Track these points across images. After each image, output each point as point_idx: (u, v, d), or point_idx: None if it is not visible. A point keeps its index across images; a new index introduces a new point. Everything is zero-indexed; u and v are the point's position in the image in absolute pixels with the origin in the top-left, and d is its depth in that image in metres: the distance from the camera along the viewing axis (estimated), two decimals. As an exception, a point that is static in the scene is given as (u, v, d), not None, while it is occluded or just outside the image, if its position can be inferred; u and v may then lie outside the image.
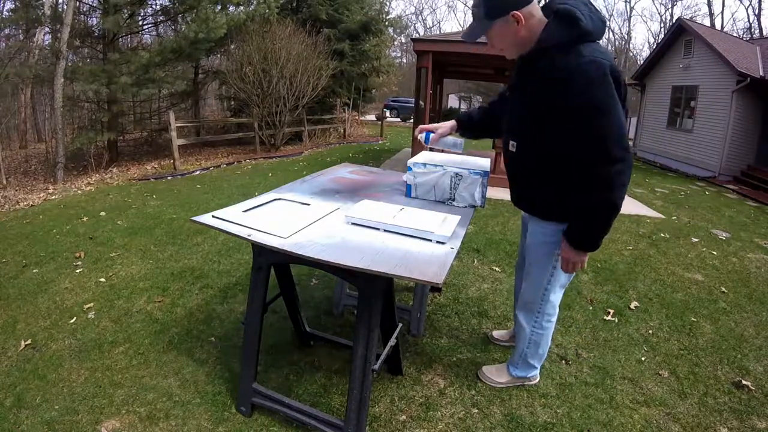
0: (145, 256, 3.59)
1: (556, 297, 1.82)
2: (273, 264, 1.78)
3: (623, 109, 1.39)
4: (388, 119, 20.07)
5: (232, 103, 13.60)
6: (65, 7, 8.63)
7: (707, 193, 8.04)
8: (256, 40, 9.45)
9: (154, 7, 11.07)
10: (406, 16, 37.87)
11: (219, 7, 9.46)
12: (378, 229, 1.63)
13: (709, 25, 22.49)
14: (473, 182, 2.03)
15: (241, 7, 9.87)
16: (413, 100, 14.64)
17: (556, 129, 1.45)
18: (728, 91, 9.51)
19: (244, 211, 1.77)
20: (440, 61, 8.25)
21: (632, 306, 2.96)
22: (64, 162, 8.37)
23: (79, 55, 10.64)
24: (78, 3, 9.25)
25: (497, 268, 3.45)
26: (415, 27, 39.42)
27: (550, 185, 1.58)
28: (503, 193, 6.09)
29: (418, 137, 2.12)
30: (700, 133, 10.54)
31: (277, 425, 1.80)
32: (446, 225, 1.64)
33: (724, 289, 3.37)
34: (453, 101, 28.90)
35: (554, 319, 1.89)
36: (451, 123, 2.06)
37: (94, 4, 10.03)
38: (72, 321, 2.58)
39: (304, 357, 2.23)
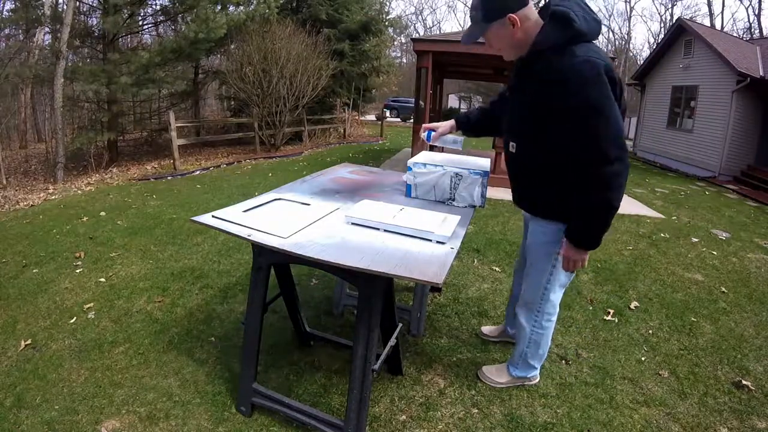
0: (145, 256, 3.59)
1: (556, 296, 1.83)
2: (273, 264, 1.78)
3: (620, 108, 1.40)
4: (388, 119, 20.08)
5: (232, 103, 13.61)
6: (65, 7, 8.63)
7: (707, 193, 8.04)
8: (256, 40, 9.45)
9: (154, 7, 11.09)
10: (406, 16, 37.90)
11: (219, 7, 9.46)
12: (378, 229, 1.63)
13: (709, 25, 22.50)
14: (473, 182, 2.03)
15: (241, 7, 9.88)
16: (413, 100, 14.64)
17: (554, 129, 1.47)
18: (728, 91, 9.51)
19: (244, 211, 1.77)
20: (440, 61, 8.25)
21: (632, 306, 2.96)
22: (64, 162, 8.37)
23: (79, 55, 10.64)
24: (78, 3, 9.25)
25: (497, 268, 3.45)
26: (415, 27, 39.46)
27: (550, 185, 1.60)
28: (503, 193, 6.11)
29: (421, 135, 2.17)
30: (700, 133, 10.54)
31: (277, 425, 1.80)
32: (446, 225, 1.64)
33: (724, 289, 3.37)
34: (453, 101, 28.90)
35: (554, 318, 1.90)
36: (451, 122, 2.11)
37: (94, 4, 10.03)
38: (72, 321, 2.58)
39: (304, 357, 2.23)
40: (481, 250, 3.83)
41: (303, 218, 1.70)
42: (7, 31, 10.86)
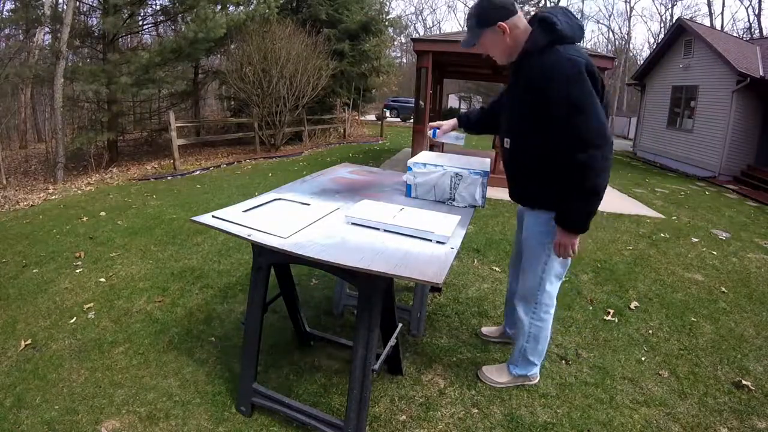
0: (145, 256, 3.59)
1: (553, 288, 1.87)
2: (273, 264, 1.78)
3: (602, 102, 1.52)
4: (388, 119, 20.08)
5: (232, 103, 13.61)
6: (65, 7, 8.63)
7: (707, 193, 8.04)
8: (256, 40, 9.45)
9: (154, 7, 11.09)
10: (406, 16, 37.90)
11: (219, 7, 9.46)
12: (378, 229, 1.63)
13: (709, 25, 22.49)
14: (473, 182, 2.04)
15: (241, 7, 9.87)
16: (413, 100, 14.63)
17: (541, 123, 1.58)
18: (728, 91, 9.51)
19: (244, 211, 1.77)
20: (440, 61, 8.25)
21: (632, 306, 2.96)
22: (64, 162, 8.37)
23: (79, 55, 10.64)
24: (78, 3, 9.25)
25: (497, 268, 3.45)
26: (415, 27, 39.45)
27: (541, 176, 1.70)
28: (503, 193, 6.07)
29: (428, 133, 2.30)
30: (700, 133, 10.54)
31: (277, 425, 1.80)
32: (446, 225, 1.64)
33: (724, 289, 3.37)
34: (453, 101, 28.90)
35: (552, 311, 1.92)
36: (453, 121, 2.25)
37: (94, 4, 10.03)
38: (72, 321, 2.58)
39: (304, 357, 2.23)
40: (481, 250, 3.83)
41: (303, 218, 1.70)
42: (7, 31, 10.87)
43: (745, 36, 22.21)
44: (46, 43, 10.71)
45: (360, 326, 1.57)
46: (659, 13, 43.33)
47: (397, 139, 14.57)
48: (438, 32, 37.07)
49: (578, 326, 2.67)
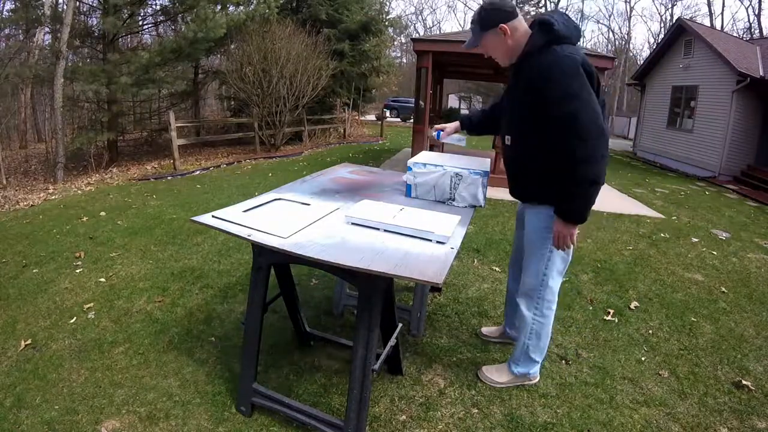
0: (145, 256, 3.59)
1: (555, 283, 1.89)
2: (273, 264, 1.78)
3: (598, 98, 1.59)
4: (388, 119, 20.07)
5: (232, 103, 13.61)
6: (65, 7, 8.63)
7: (707, 193, 8.04)
8: (256, 40, 9.45)
9: (154, 7, 11.09)
10: (406, 16, 37.89)
11: (219, 7, 9.46)
12: (378, 229, 1.63)
13: (709, 25, 22.49)
14: (473, 182, 2.04)
15: (241, 7, 9.87)
16: (413, 100, 14.63)
17: (541, 119, 1.63)
18: (728, 91, 9.51)
19: (244, 211, 1.77)
20: (440, 61, 8.25)
21: (632, 306, 2.96)
22: (64, 162, 8.37)
23: (79, 55, 10.64)
24: (78, 3, 9.25)
25: (497, 268, 3.45)
26: (415, 27, 39.45)
27: (542, 174, 1.74)
28: (503, 193, 6.09)
29: (432, 134, 2.35)
30: (700, 133, 10.54)
31: (277, 425, 1.80)
32: (446, 225, 1.64)
33: (724, 289, 3.37)
34: (453, 101, 28.89)
35: (554, 306, 1.93)
36: (456, 124, 2.30)
37: (94, 4, 10.03)
38: (72, 321, 2.58)
39: (304, 357, 2.23)
40: (481, 250, 3.83)
41: (303, 218, 1.70)
42: (7, 31, 10.86)
43: (745, 36, 22.21)
44: (46, 43, 10.71)
45: (360, 326, 1.57)
46: (659, 13, 43.35)
47: (397, 139, 14.57)
48: (438, 32, 37.07)
49: (578, 326, 2.67)
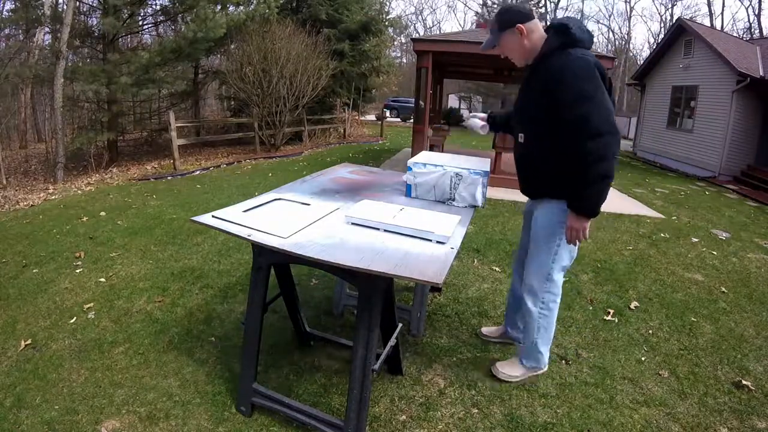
0: (145, 256, 3.59)
1: (559, 277, 1.95)
2: (273, 264, 1.78)
3: (609, 98, 1.65)
4: (388, 119, 20.06)
5: (232, 103, 13.61)
6: (65, 7, 8.64)
7: (707, 193, 8.04)
8: (256, 40, 9.45)
9: (153, 7, 11.09)
10: (406, 16, 37.87)
11: (219, 7, 9.46)
12: (378, 229, 1.63)
13: (709, 25, 22.49)
14: (473, 182, 2.04)
15: (241, 7, 9.87)
16: (413, 100, 14.63)
17: (555, 116, 1.70)
18: (728, 91, 9.51)
19: (244, 211, 1.77)
20: (440, 61, 8.25)
21: (632, 306, 2.96)
22: (64, 162, 8.37)
23: (79, 55, 10.64)
24: (78, 3, 9.25)
25: (497, 268, 3.45)
26: (415, 27, 39.43)
27: (553, 174, 1.80)
28: (503, 193, 6.12)
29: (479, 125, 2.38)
30: (700, 133, 10.53)
31: (277, 425, 1.80)
32: (446, 225, 1.64)
33: (724, 289, 3.37)
34: (453, 101, 28.88)
35: (558, 300, 1.98)
36: (483, 115, 2.41)
37: (94, 4, 10.04)
38: (72, 321, 2.59)
39: (304, 357, 2.23)
40: (481, 250, 3.83)
41: (303, 218, 1.70)
42: (7, 31, 10.86)
43: (745, 36, 22.21)
44: (46, 43, 10.71)
45: (360, 326, 1.57)
46: (659, 13, 43.33)
47: (397, 139, 14.57)
48: (438, 32, 37.06)
49: (578, 326, 2.67)
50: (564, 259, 1.90)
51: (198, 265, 3.39)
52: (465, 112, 24.13)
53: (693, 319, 2.85)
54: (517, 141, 1.95)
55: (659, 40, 15.01)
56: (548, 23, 1.85)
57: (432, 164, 2.09)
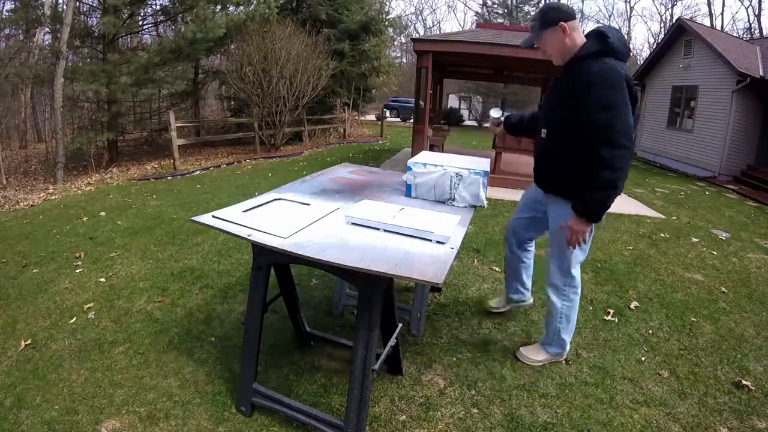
0: (145, 256, 3.59)
1: (577, 271, 2.07)
2: (273, 264, 1.78)
3: (633, 114, 1.70)
4: (388, 119, 20.05)
5: (232, 103, 13.61)
6: (65, 7, 8.63)
7: (707, 193, 8.04)
8: (256, 40, 9.45)
9: (153, 7, 11.08)
10: (406, 16, 37.81)
11: (219, 7, 9.45)
12: (378, 229, 1.63)
13: (709, 25, 22.49)
14: (473, 182, 2.04)
15: (241, 7, 9.87)
16: (413, 100, 14.62)
17: (577, 119, 1.77)
18: (728, 91, 9.51)
19: (244, 211, 1.77)
20: (440, 61, 8.25)
21: (632, 306, 2.96)
22: (64, 162, 8.37)
23: (79, 55, 10.64)
24: (78, 3, 9.25)
25: (497, 268, 3.45)
26: (415, 27, 39.37)
27: (570, 165, 1.86)
28: (503, 193, 6.12)
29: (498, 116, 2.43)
30: (700, 133, 10.53)
31: (277, 425, 1.80)
32: (446, 225, 1.64)
33: (724, 289, 3.37)
34: (453, 101, 28.88)
35: (579, 291, 2.11)
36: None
37: (94, 4, 10.03)
38: (72, 321, 2.59)
39: (304, 357, 2.23)
40: (481, 250, 3.83)
41: (303, 218, 1.70)
42: (7, 31, 10.86)
43: (745, 36, 22.20)
44: (46, 43, 10.71)
45: (360, 326, 1.57)
46: (659, 13, 43.24)
47: (397, 139, 14.57)
48: (438, 32, 37.05)
49: (578, 326, 2.65)
50: (579, 255, 2.01)
51: (198, 265, 3.39)
52: (465, 113, 24.14)
53: (693, 319, 2.85)
54: (540, 136, 2.02)
55: (659, 40, 15.01)
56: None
57: (432, 164, 2.09)
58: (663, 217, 5.61)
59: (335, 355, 2.26)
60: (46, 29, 10.01)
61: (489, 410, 1.92)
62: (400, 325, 1.93)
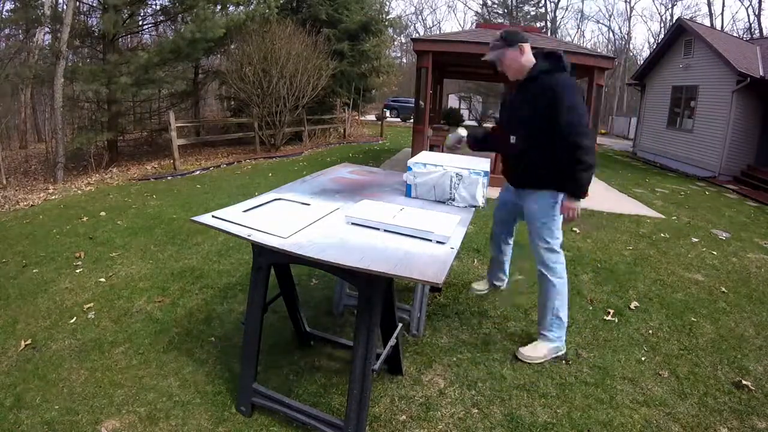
0: (145, 256, 3.59)
1: (559, 248, 2.31)
2: (273, 264, 1.78)
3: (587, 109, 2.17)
4: (388, 119, 20.05)
5: (232, 103, 13.59)
6: (65, 7, 8.63)
7: (707, 193, 8.04)
8: (256, 40, 9.45)
9: (153, 7, 11.08)
10: (406, 16, 37.81)
11: (219, 7, 9.45)
12: (378, 229, 1.63)
13: (709, 25, 22.48)
14: (473, 182, 2.04)
15: (241, 7, 9.87)
16: (413, 100, 14.63)
17: (547, 125, 2.10)
18: (728, 91, 9.51)
19: (244, 211, 1.77)
20: (440, 61, 8.24)
21: (632, 306, 2.96)
22: (64, 162, 8.36)
23: (79, 55, 10.64)
24: (78, 3, 9.25)
25: (497, 268, 3.45)
26: (415, 27, 39.38)
27: (544, 165, 2.18)
28: (503, 193, 6.10)
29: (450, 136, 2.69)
30: (700, 133, 10.53)
31: (277, 425, 1.80)
32: (446, 225, 1.64)
33: (724, 289, 3.37)
34: (453, 101, 28.88)
35: (565, 266, 2.31)
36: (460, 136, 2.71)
37: (94, 4, 10.03)
38: (72, 321, 2.59)
39: (304, 357, 2.23)
40: (481, 250, 3.83)
41: (303, 218, 1.70)
42: (7, 31, 10.86)
43: (745, 36, 22.20)
44: (46, 43, 10.69)
45: (360, 326, 1.57)
46: (659, 13, 43.28)
47: (397, 139, 14.57)
48: (438, 32, 37.04)
49: (578, 326, 2.67)
50: (557, 233, 2.29)
51: (198, 265, 3.39)
52: (465, 113, 24.14)
53: (693, 319, 2.85)
54: (509, 143, 2.28)
55: (659, 40, 15.00)
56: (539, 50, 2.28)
57: (432, 164, 2.09)
58: (663, 217, 5.62)
59: (335, 355, 2.26)
60: (46, 29, 10.01)
61: (489, 410, 1.92)
62: (400, 325, 1.93)
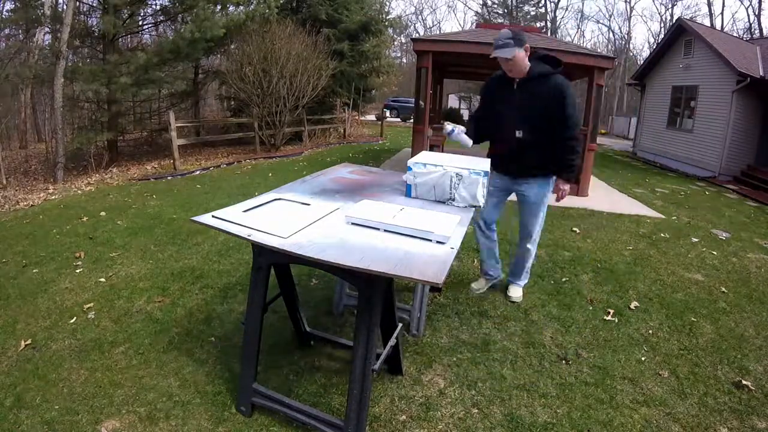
0: (145, 256, 3.59)
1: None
2: (273, 264, 1.78)
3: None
4: (388, 119, 20.05)
5: (232, 103, 13.59)
6: (65, 7, 8.63)
7: (707, 193, 8.04)
8: (256, 40, 9.45)
9: (153, 7, 11.08)
10: (406, 16, 37.79)
11: (219, 7, 9.45)
12: (378, 229, 1.63)
13: (709, 25, 22.48)
14: (473, 182, 2.04)
15: (241, 7, 9.87)
16: (413, 100, 14.62)
17: (548, 117, 2.44)
18: (728, 91, 9.50)
19: (244, 211, 1.77)
20: (440, 61, 8.24)
21: (632, 306, 2.96)
22: (64, 162, 8.36)
23: (79, 55, 10.64)
24: (78, 3, 9.25)
25: (497, 268, 3.45)
26: (415, 27, 39.38)
27: (544, 155, 2.55)
28: (503, 193, 6.11)
29: (446, 128, 2.78)
30: (700, 133, 10.53)
31: (277, 425, 1.80)
32: (446, 225, 1.64)
33: (724, 289, 3.37)
34: (453, 101, 28.88)
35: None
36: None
37: (94, 4, 10.04)
38: (72, 321, 2.59)
39: (304, 357, 2.23)
40: (481, 250, 3.82)
41: (303, 218, 1.70)
42: (7, 31, 10.86)
43: (745, 36, 22.20)
44: (46, 43, 10.69)
45: (360, 326, 1.57)
46: (659, 13, 43.29)
47: (397, 139, 14.57)
48: (438, 32, 37.02)
49: (578, 326, 2.67)
50: (544, 216, 2.76)
51: (198, 265, 3.39)
52: (465, 113, 24.11)
53: (693, 319, 2.85)
54: (514, 136, 2.54)
55: (659, 40, 15.00)
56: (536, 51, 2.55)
57: (432, 164, 2.09)
58: (663, 217, 5.62)
59: (335, 355, 2.26)
60: (46, 29, 10.01)
61: (489, 410, 1.92)
62: (400, 325, 1.93)
